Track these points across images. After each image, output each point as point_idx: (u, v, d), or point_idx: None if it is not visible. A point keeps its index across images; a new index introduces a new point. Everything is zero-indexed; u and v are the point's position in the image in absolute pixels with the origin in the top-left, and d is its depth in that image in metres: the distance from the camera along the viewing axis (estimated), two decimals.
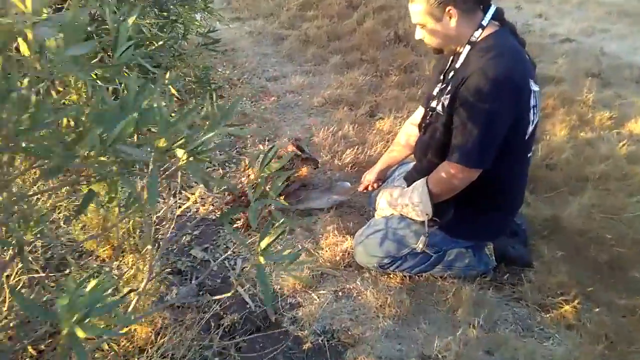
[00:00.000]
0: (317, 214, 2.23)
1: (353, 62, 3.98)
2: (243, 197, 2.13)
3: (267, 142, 2.76)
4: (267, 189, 1.01)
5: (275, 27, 4.75)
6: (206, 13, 2.86)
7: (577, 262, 2.01)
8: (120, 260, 1.88)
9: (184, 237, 2.05)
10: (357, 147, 2.71)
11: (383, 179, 2.17)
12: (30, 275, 1.32)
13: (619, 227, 2.23)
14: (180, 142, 0.77)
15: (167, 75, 1.12)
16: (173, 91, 1.16)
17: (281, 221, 0.92)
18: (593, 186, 2.50)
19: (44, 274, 1.38)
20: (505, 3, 6.12)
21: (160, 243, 1.94)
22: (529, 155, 1.75)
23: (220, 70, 3.65)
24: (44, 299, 1.71)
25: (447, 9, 1.54)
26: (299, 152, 2.19)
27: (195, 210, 2.22)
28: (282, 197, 2.22)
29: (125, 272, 1.69)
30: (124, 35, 0.87)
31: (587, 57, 4.33)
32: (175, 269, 1.90)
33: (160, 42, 2.40)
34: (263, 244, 0.86)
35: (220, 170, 2.49)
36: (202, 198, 2.29)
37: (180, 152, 0.80)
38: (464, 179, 1.61)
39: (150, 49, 2.35)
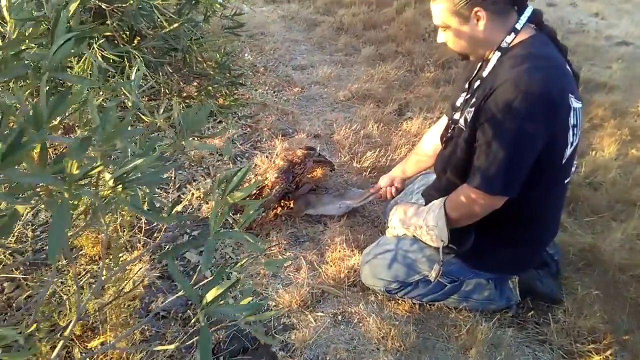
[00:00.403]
0: (327, 222, 2.05)
1: (387, 54, 3.75)
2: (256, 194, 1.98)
3: (282, 137, 2.58)
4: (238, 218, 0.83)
5: (310, 11, 4.55)
6: None
7: (614, 304, 1.77)
8: (110, 259, 1.76)
9: (181, 238, 1.92)
10: (379, 149, 2.50)
11: (401, 187, 1.96)
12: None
13: None
14: (99, 167, 0.60)
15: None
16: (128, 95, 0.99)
17: (242, 262, 0.74)
18: None
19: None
20: None
21: (152, 242, 1.82)
22: (566, 181, 1.50)
23: (246, 55, 3.48)
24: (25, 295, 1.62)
25: (474, 10, 1.30)
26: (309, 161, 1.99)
27: (197, 207, 2.08)
28: (290, 201, 2.09)
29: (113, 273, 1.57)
30: (63, 25, 0.70)
31: None
32: (165, 273, 1.76)
33: (175, 25, 2.25)
34: (210, 296, 0.68)
35: (231, 165, 2.33)
36: (207, 194, 2.15)
37: (108, 177, 0.63)
38: (486, 207, 1.39)
39: (163, 32, 2.20)
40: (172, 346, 0.83)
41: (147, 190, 0.82)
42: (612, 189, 2.37)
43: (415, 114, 2.88)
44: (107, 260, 1.77)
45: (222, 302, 0.68)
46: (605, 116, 3.00)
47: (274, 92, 3.11)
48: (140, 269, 1.69)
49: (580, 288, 1.79)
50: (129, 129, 0.78)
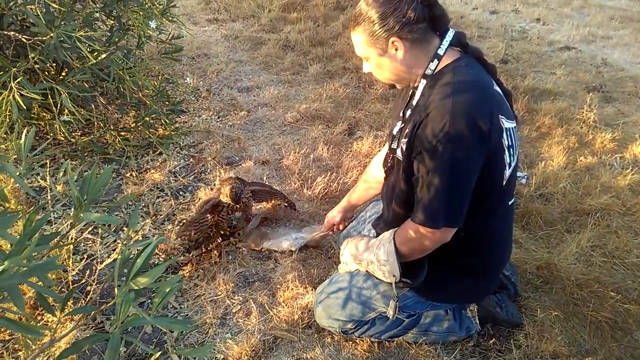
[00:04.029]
0: (277, 257, 1.93)
1: (335, 71, 3.69)
2: (198, 234, 1.84)
3: (227, 167, 2.46)
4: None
5: (255, 30, 4.44)
6: (165, 20, 2.54)
7: (574, 322, 1.73)
8: (38, 320, 1.59)
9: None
10: (330, 172, 2.42)
11: (351, 217, 1.88)
12: None
13: (623, 275, 1.95)
14: None
15: None
16: None
17: None
18: (593, 222, 2.21)
19: None
20: (503, 5, 5.84)
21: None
22: (510, 202, 1.45)
23: (188, 79, 3.34)
24: None
25: (391, 40, 1.25)
26: (232, 203, 1.86)
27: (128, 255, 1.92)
28: (238, 241, 1.97)
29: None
30: None
31: (587, 67, 4.05)
32: (101, 328, 1.60)
33: (103, 55, 2.10)
34: None
35: (172, 201, 2.19)
36: (157, 234, 2.00)
37: None
38: (435, 240, 1.32)
39: (90, 63, 2.05)
40: None
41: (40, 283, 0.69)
42: (564, 200, 2.36)
43: (365, 133, 2.81)
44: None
45: None
46: (553, 124, 3.02)
47: (219, 117, 2.98)
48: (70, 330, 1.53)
49: (540, 309, 1.75)
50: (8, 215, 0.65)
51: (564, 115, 3.13)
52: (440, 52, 1.28)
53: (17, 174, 0.81)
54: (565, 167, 2.61)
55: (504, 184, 1.33)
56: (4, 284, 0.59)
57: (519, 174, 2.53)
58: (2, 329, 1.52)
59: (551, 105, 3.24)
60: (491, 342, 1.65)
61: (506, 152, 1.29)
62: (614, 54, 4.47)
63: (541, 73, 3.86)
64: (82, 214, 0.76)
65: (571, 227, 2.22)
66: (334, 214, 1.86)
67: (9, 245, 0.62)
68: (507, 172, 1.32)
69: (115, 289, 0.68)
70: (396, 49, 1.27)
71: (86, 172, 2.23)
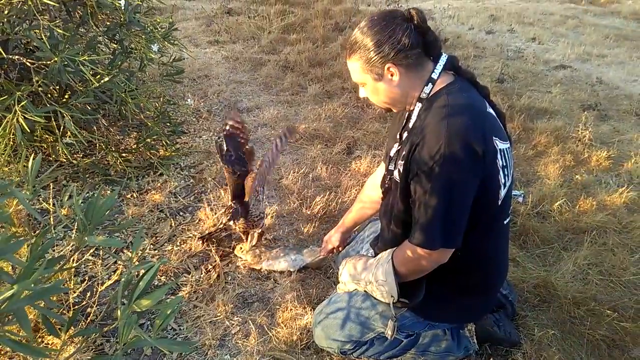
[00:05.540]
0: (277, 277, 1.95)
1: (333, 91, 3.74)
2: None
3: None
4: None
5: (255, 51, 4.51)
6: (166, 42, 2.59)
7: (572, 341, 1.74)
8: (39, 342, 1.61)
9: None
10: (329, 192, 2.45)
11: (349, 238, 1.90)
12: None
13: (619, 293, 1.96)
14: None
15: None
16: None
17: None
18: (589, 240, 2.23)
19: None
20: (499, 25, 5.93)
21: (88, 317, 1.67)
22: (505, 221, 1.48)
23: (189, 100, 3.39)
24: None
25: (386, 67, 1.29)
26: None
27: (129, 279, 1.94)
28: (245, 254, 1.98)
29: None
30: None
31: (582, 86, 4.10)
32: (101, 350, 1.61)
33: (106, 79, 2.15)
34: None
35: (172, 222, 2.21)
36: (157, 255, 2.02)
37: None
38: (432, 261, 1.34)
39: (93, 86, 2.10)
40: None
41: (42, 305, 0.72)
42: (561, 218, 2.38)
43: (363, 152, 2.85)
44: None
45: None
46: (549, 142, 3.06)
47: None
48: (74, 352, 1.54)
49: (537, 328, 1.76)
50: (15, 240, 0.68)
51: (560, 133, 3.17)
52: (434, 76, 1.32)
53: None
54: (561, 185, 2.63)
55: (499, 203, 1.36)
56: (12, 307, 0.61)
57: (515, 192, 2.55)
58: (2, 353, 1.53)
59: (547, 124, 3.28)
60: None
61: (501, 172, 1.32)
62: (609, 72, 4.53)
63: (537, 92, 3.91)
64: (86, 238, 0.79)
65: (568, 245, 2.24)
66: (333, 239, 1.88)
67: (10, 268, 0.64)
68: (503, 192, 1.35)
69: (118, 311, 0.70)
70: (392, 75, 1.31)
71: (90, 196, 2.26)
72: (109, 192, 2.35)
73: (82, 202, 0.83)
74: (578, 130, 3.14)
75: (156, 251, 2.04)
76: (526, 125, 3.28)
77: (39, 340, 1.62)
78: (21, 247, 0.61)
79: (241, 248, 1.99)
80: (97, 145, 2.48)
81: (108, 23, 2.44)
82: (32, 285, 0.64)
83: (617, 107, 3.75)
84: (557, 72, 4.48)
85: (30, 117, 1.99)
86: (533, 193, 2.53)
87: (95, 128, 2.47)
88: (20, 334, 1.30)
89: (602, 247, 2.22)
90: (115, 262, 1.95)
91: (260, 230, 2.06)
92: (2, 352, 1.55)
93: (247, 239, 2.01)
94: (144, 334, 0.73)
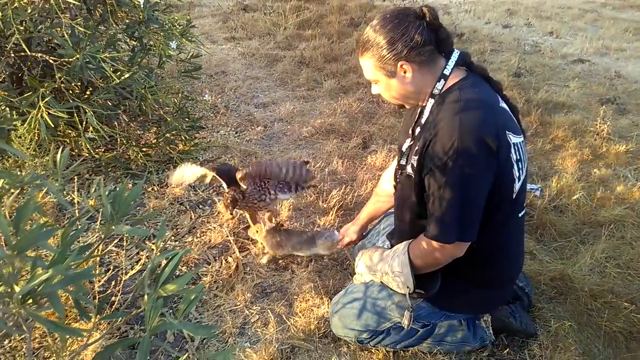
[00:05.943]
0: (294, 269, 1.98)
1: (349, 86, 3.76)
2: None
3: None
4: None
5: (271, 47, 4.55)
6: (184, 39, 2.64)
7: (588, 333, 1.74)
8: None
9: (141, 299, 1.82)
10: (345, 185, 2.47)
11: (365, 232, 1.92)
12: None
13: (637, 286, 1.96)
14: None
15: None
16: None
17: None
18: (607, 234, 2.22)
19: None
20: (515, 19, 5.87)
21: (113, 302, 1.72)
22: (521, 214, 1.49)
23: (206, 96, 3.44)
24: None
25: (399, 64, 1.31)
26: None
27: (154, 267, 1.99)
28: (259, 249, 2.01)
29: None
30: None
31: (601, 80, 4.06)
32: (125, 336, 1.66)
33: (126, 75, 2.20)
34: None
35: (192, 214, 2.26)
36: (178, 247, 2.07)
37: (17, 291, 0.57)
38: (447, 255, 1.36)
39: (114, 82, 2.15)
40: None
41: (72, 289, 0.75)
42: (578, 211, 2.38)
43: (379, 147, 2.87)
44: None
45: None
46: (566, 136, 3.04)
47: (236, 132, 3.06)
48: (102, 336, 1.59)
49: (554, 319, 1.76)
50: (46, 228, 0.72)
51: (578, 127, 3.15)
52: (447, 72, 1.34)
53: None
54: (579, 179, 2.62)
55: (514, 196, 1.37)
56: (47, 290, 0.65)
57: (532, 186, 2.55)
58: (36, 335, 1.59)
59: (565, 118, 3.26)
60: (505, 352, 1.67)
61: (515, 166, 1.33)
62: (628, 66, 4.47)
63: (554, 86, 3.88)
64: (113, 227, 0.82)
65: (585, 239, 2.23)
66: (349, 232, 1.90)
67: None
68: (517, 185, 1.36)
69: (145, 297, 0.74)
70: (404, 72, 1.32)
71: (113, 189, 2.32)
72: (130, 185, 2.41)
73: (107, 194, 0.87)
74: (596, 124, 3.12)
75: (177, 242, 2.09)
76: (543, 119, 3.26)
77: (67, 325, 1.67)
78: (52, 235, 0.65)
79: (257, 231, 1.98)
80: (118, 140, 2.54)
81: (127, 21, 2.49)
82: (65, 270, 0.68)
83: (636, 101, 3.70)
84: (575, 66, 4.44)
85: (53, 113, 2.05)
86: (550, 187, 2.52)
87: (116, 123, 2.53)
88: (51, 318, 1.34)
89: (620, 241, 2.21)
90: (138, 253, 2.00)
91: (268, 213, 2.04)
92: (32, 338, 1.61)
93: (254, 222, 1.99)
94: (170, 318, 0.77)
